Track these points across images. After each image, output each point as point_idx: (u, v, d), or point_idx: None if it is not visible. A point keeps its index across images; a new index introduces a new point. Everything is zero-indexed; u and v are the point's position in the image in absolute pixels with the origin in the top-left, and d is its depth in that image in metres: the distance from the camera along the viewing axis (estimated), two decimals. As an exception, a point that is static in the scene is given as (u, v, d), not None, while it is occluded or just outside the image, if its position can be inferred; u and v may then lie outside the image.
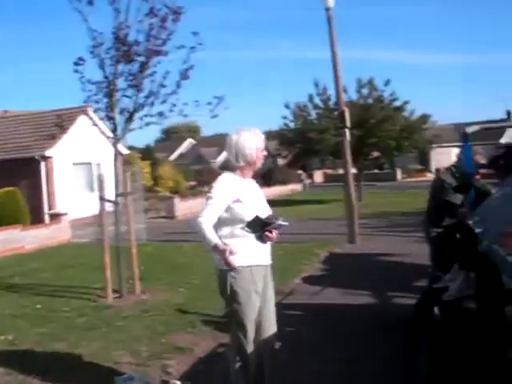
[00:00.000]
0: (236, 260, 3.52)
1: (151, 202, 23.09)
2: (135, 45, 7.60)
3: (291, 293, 7.77)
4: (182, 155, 66.21)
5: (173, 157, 60.61)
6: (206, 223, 3.50)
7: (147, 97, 7.74)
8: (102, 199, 7.68)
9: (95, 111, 7.79)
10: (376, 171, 43.44)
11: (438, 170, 42.18)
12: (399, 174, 48.78)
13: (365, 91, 25.34)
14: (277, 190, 34.71)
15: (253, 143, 3.68)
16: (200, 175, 40.51)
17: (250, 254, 3.62)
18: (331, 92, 25.44)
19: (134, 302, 7.52)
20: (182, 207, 23.23)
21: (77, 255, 12.56)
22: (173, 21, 7.51)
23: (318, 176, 53.70)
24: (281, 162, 55.02)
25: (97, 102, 7.77)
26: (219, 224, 3.61)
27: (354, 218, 12.99)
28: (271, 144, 59.78)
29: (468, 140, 6.14)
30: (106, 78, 7.68)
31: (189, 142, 72.25)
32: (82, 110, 20.45)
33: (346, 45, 50.07)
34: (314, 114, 26.10)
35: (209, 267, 9.85)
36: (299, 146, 26.86)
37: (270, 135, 60.71)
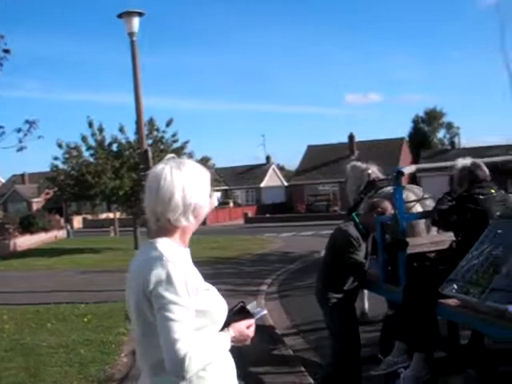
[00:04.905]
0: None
1: None
2: None
3: (127, 377, 5.91)
4: None
5: None
6: (194, 347, 1.96)
7: None
8: None
9: None
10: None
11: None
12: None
13: (144, 132, 24.05)
14: (41, 237, 31.42)
15: (201, 185, 2.18)
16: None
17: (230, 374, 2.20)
18: (107, 133, 23.95)
19: None
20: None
21: None
22: None
23: (78, 221, 50.60)
24: (35, 206, 51.63)
25: None
26: None
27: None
28: (29, 187, 55.04)
29: (401, 183, 4.81)
30: None
31: None
32: None
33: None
34: (87, 155, 24.05)
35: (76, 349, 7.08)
36: (71, 191, 24.37)
37: (29, 177, 55.36)
